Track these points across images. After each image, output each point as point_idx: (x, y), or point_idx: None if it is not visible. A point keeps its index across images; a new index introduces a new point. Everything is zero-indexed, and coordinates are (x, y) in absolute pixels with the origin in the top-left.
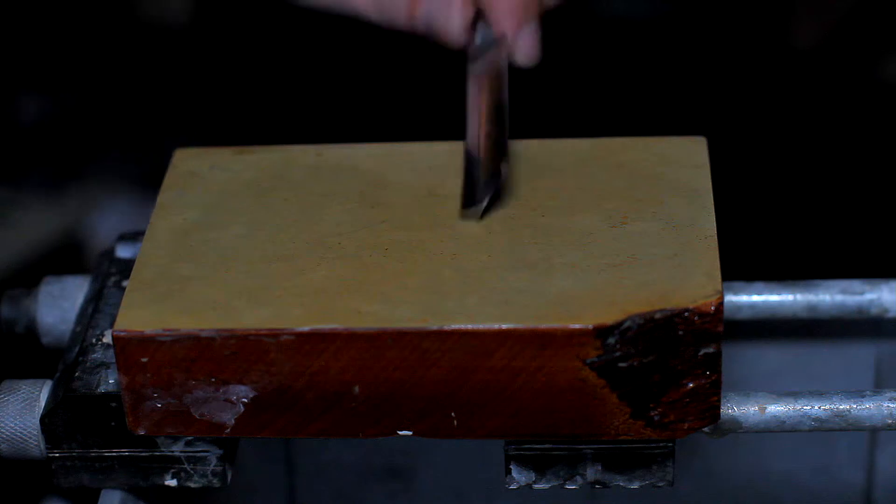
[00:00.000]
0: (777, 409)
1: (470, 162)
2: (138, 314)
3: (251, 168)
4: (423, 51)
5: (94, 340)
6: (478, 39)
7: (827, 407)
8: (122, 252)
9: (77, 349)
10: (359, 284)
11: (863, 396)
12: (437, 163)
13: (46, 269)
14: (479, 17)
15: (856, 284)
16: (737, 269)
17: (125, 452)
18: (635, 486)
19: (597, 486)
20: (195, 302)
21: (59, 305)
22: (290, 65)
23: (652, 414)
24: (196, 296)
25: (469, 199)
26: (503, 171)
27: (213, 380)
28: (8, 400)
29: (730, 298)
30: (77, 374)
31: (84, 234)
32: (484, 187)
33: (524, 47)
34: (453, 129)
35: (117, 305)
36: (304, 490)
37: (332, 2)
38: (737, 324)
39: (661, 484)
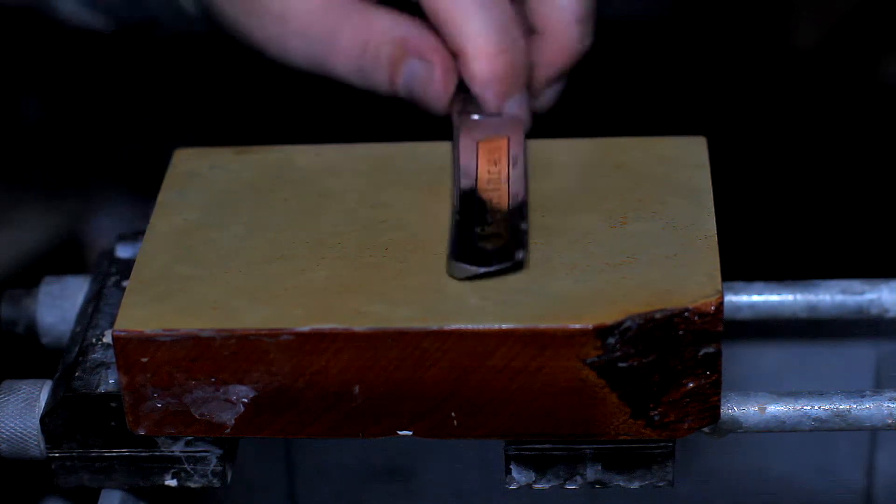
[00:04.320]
0: (777, 409)
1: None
2: (138, 314)
3: (251, 168)
4: None
5: (94, 340)
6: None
7: (827, 407)
8: (122, 252)
9: (77, 349)
10: (359, 284)
11: (863, 396)
12: (437, 163)
13: (46, 269)
14: (462, 87)
15: (856, 284)
16: (737, 269)
17: (125, 452)
18: (635, 486)
19: (597, 486)
20: (195, 302)
21: (59, 305)
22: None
23: (652, 414)
24: (196, 296)
25: (466, 253)
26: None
27: (213, 380)
28: (8, 400)
29: (730, 298)
30: (77, 374)
31: (84, 234)
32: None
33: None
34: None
35: (117, 305)
36: (304, 490)
37: (312, 64)
38: (737, 324)
39: (661, 484)
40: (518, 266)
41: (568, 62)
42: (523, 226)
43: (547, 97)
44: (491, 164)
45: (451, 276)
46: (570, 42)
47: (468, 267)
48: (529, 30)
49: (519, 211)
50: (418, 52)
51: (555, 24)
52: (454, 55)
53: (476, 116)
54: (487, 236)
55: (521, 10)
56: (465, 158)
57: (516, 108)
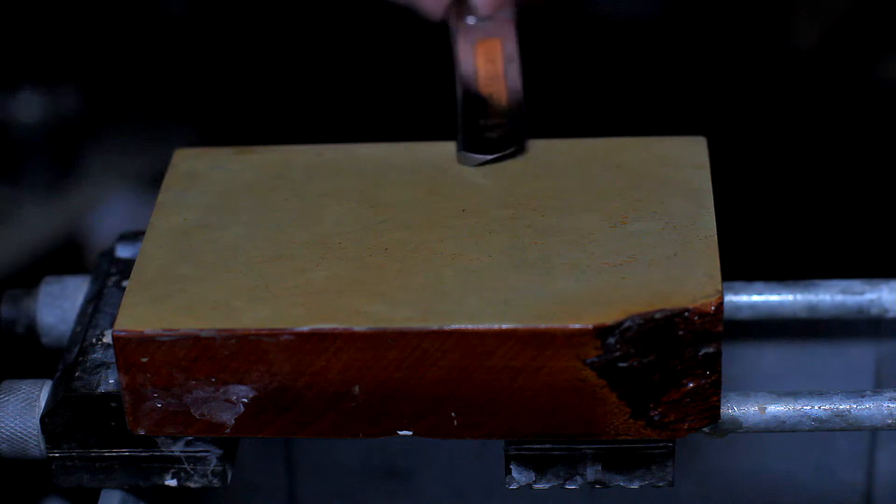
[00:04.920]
0: (777, 409)
1: (473, 100)
2: (138, 314)
3: (251, 168)
4: (423, 50)
5: (94, 340)
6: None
7: (827, 407)
8: (122, 252)
9: (77, 349)
10: (359, 284)
11: (863, 396)
12: (437, 163)
13: (46, 269)
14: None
15: (856, 284)
16: (737, 269)
17: (125, 452)
18: (635, 486)
19: (597, 486)
20: (195, 302)
21: (59, 305)
22: (289, 64)
23: (652, 414)
24: (196, 296)
25: (474, 143)
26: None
27: (213, 380)
28: (8, 400)
29: (730, 298)
30: (77, 374)
31: (84, 234)
32: (495, 131)
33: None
34: (453, 129)
35: (117, 305)
36: (304, 490)
37: None
38: (737, 324)
39: (661, 484)
40: (520, 150)
41: None
42: (522, 114)
43: None
44: (489, 63)
45: (463, 164)
46: None
47: (476, 156)
48: None
49: (517, 102)
50: None
51: None
52: None
53: (472, 20)
54: (491, 127)
55: None
56: (465, 59)
57: (506, 18)
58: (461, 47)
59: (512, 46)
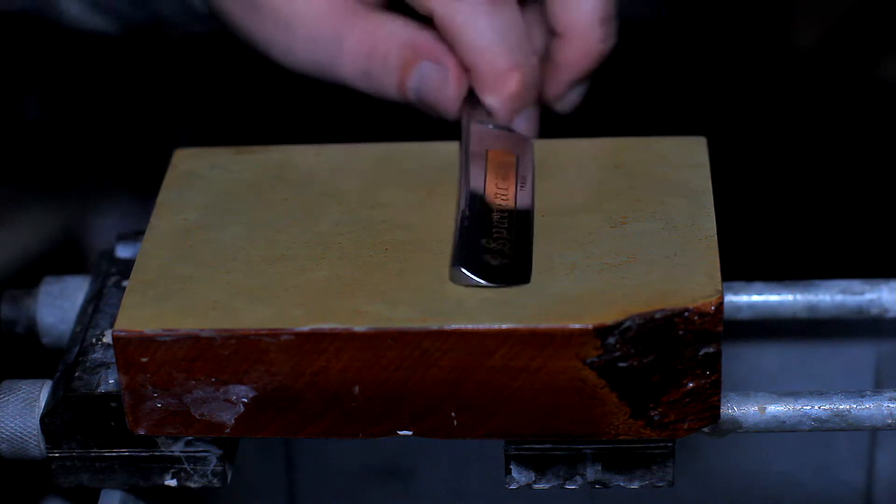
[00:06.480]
0: (777, 409)
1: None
2: (138, 314)
3: (251, 168)
4: None
5: (94, 340)
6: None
7: (827, 407)
8: (122, 252)
9: (77, 349)
10: (359, 284)
11: (863, 396)
12: (437, 163)
13: (46, 269)
14: (472, 93)
15: (856, 284)
16: (737, 269)
17: (125, 452)
18: (635, 486)
19: (597, 486)
20: (195, 302)
21: (59, 305)
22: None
23: (652, 414)
24: (196, 296)
25: (473, 264)
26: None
27: (213, 380)
28: (8, 400)
29: (730, 298)
30: (77, 374)
31: (84, 234)
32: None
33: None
34: (453, 129)
35: (117, 305)
36: (304, 490)
37: (317, 69)
38: (737, 324)
39: (661, 484)
40: (522, 283)
41: (591, 64)
42: (529, 249)
43: (570, 99)
44: (499, 179)
45: (453, 281)
46: (592, 44)
47: (472, 277)
48: (551, 32)
49: (526, 233)
50: (430, 55)
51: (577, 25)
52: (465, 70)
53: (489, 126)
54: (493, 251)
55: (540, 13)
56: (475, 166)
57: (525, 122)
58: (472, 151)
59: (527, 168)
